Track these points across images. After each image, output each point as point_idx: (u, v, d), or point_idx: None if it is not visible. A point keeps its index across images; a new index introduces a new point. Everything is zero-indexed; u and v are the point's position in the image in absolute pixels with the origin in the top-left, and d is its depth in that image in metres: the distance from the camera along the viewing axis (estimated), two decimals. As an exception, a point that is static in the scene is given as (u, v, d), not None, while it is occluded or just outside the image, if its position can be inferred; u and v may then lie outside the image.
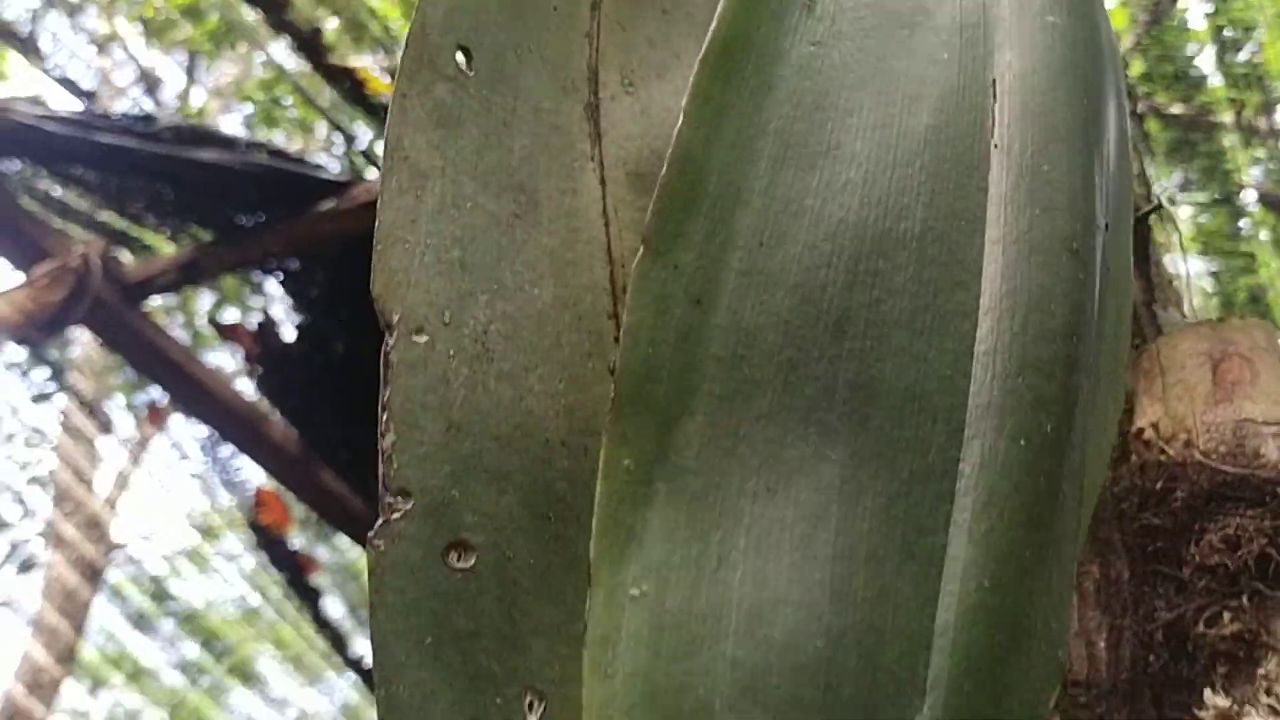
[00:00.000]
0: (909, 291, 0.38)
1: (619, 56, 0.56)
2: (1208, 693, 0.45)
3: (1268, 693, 0.44)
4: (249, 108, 2.81)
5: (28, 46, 2.26)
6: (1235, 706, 0.44)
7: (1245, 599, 0.46)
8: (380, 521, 0.37)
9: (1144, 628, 0.50)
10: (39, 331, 2.12)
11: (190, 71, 2.97)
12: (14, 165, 2.13)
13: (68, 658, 3.21)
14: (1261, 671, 0.44)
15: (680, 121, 0.40)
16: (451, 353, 0.40)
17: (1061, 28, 0.43)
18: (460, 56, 0.47)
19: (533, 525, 0.41)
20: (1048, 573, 0.34)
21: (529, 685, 0.39)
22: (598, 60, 0.55)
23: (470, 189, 0.45)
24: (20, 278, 2.10)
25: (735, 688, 0.31)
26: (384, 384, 0.39)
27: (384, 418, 0.38)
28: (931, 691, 0.32)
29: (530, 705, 0.39)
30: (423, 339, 0.40)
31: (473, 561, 0.39)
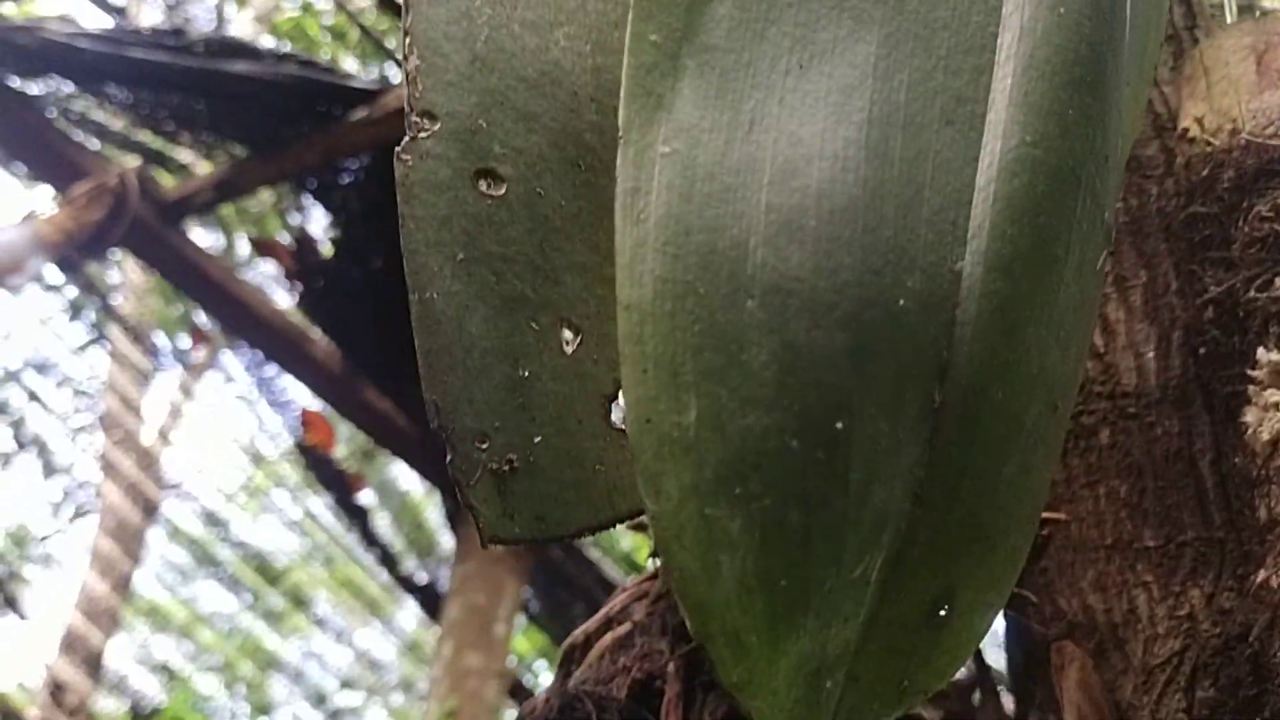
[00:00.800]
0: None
1: None
2: (1261, 351, 0.44)
3: (1323, 345, 0.42)
4: (281, 40, 2.82)
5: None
6: (1290, 362, 0.43)
7: (1298, 261, 0.44)
8: (407, 139, 0.37)
9: (1193, 316, 0.49)
10: (79, 251, 2.15)
11: (219, 6, 2.97)
12: (50, 86, 2.15)
13: (124, 586, 3.29)
14: (1316, 327, 0.43)
15: None
16: (473, -12, 0.40)
17: None
18: None
19: (563, 169, 0.40)
20: (1092, 134, 0.33)
21: (564, 317, 0.39)
22: None
23: None
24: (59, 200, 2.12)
25: (772, 227, 0.30)
26: (405, 10, 0.38)
27: (406, 41, 0.38)
28: (973, 240, 0.31)
29: (566, 336, 0.38)
30: (442, -32, 0.39)
31: (503, 190, 0.38)
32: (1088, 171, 0.32)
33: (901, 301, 0.30)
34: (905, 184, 0.32)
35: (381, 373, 2.49)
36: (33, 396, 3.85)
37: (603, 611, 0.62)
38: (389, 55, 2.35)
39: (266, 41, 2.58)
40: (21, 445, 3.51)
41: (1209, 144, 0.50)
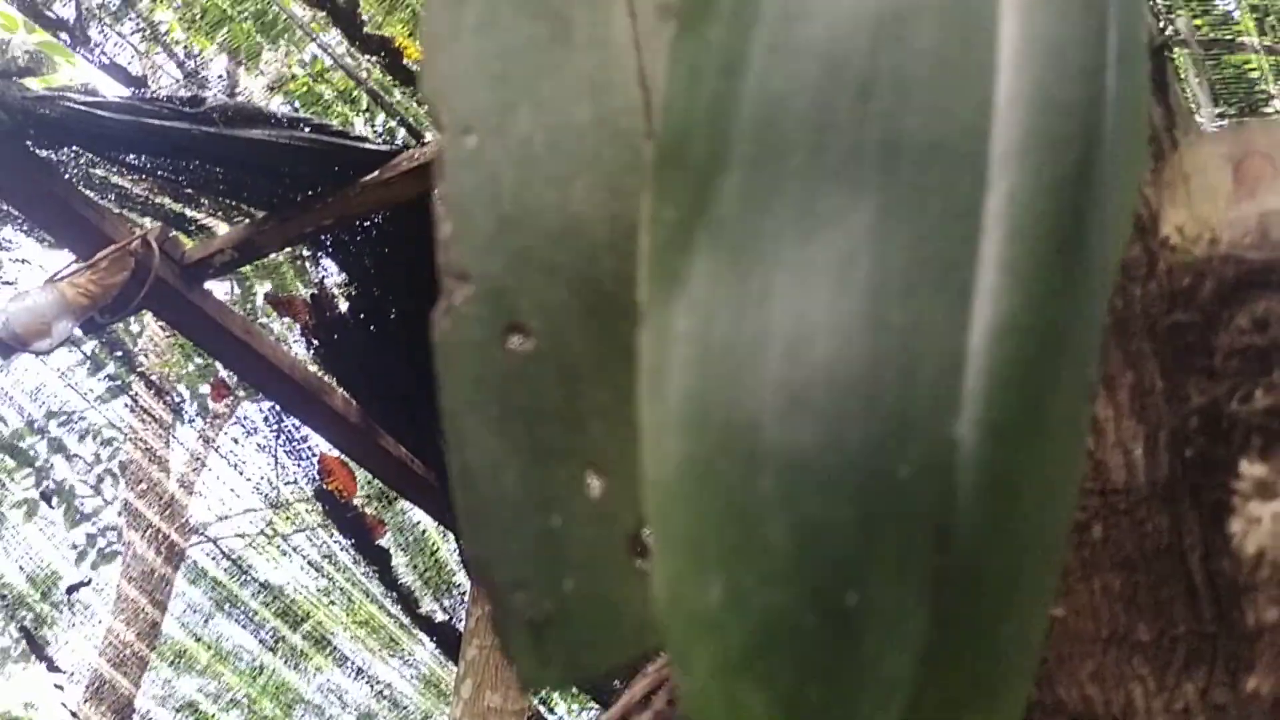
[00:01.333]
0: (931, 54, 0.39)
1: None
2: (1244, 463, 0.46)
3: (1307, 458, 0.45)
4: (292, 102, 2.89)
5: (76, 37, 2.33)
6: (1272, 474, 0.45)
7: (1276, 374, 0.47)
8: (442, 302, 0.40)
9: (1179, 421, 0.52)
10: (103, 313, 2.19)
11: (232, 73, 3.03)
12: (71, 153, 2.20)
13: (151, 634, 3.32)
14: (1299, 440, 0.45)
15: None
16: (499, 155, 0.43)
17: None
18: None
19: (584, 317, 0.43)
20: (1076, 298, 0.35)
21: (590, 462, 0.41)
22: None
23: (506, 11, 0.47)
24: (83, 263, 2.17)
25: (783, 403, 0.33)
26: (439, 178, 0.41)
27: (441, 210, 0.41)
28: (968, 405, 0.34)
29: (592, 481, 0.41)
30: (472, 140, 0.42)
31: (531, 345, 0.41)
32: (1072, 333, 0.35)
33: (904, 472, 0.32)
34: (903, 353, 0.34)
35: (397, 422, 2.53)
36: (56, 447, 3.90)
37: (624, 700, 0.64)
38: (397, 117, 2.40)
39: (280, 105, 2.64)
40: (46, 496, 3.56)
41: (1189, 252, 0.52)
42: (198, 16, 2.79)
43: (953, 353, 0.35)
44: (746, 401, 0.33)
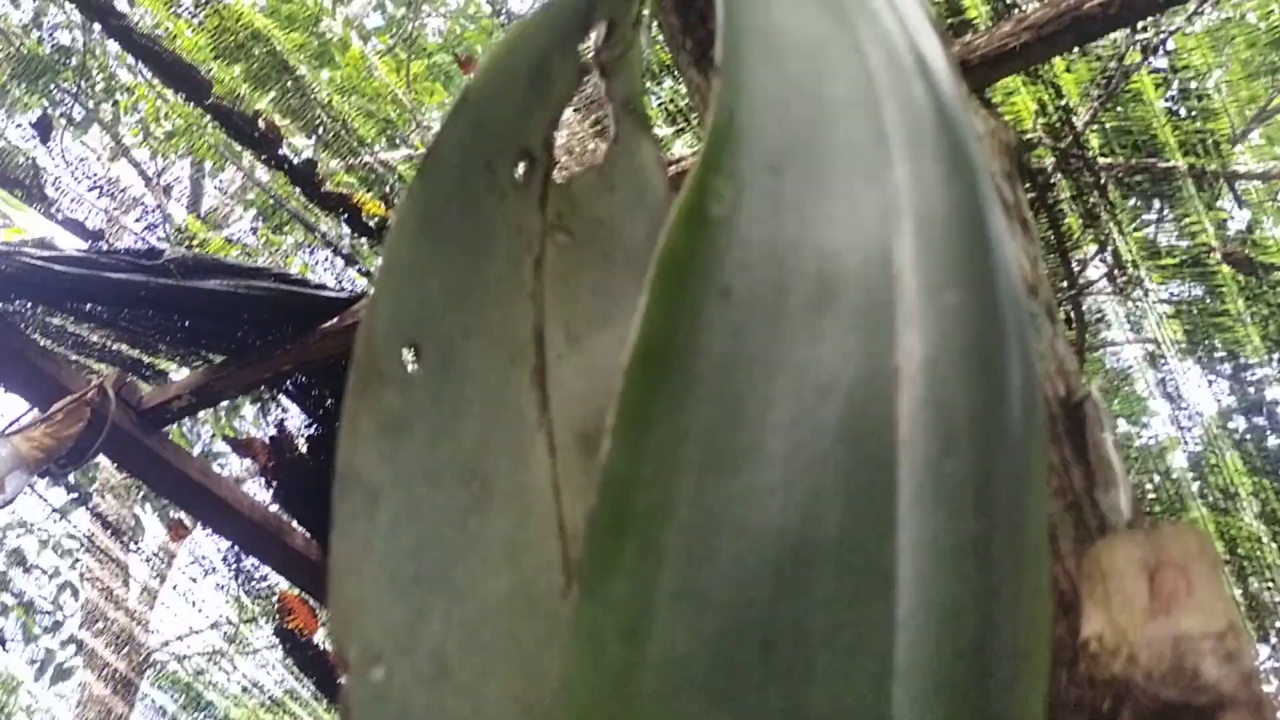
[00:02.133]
0: (830, 604, 0.40)
1: (563, 310, 0.58)
2: None
3: None
4: (254, 213, 2.91)
5: (33, 194, 2.34)
6: None
7: (1194, 826, 0.47)
8: None
9: None
10: (59, 465, 2.17)
11: (196, 181, 3.06)
12: (27, 306, 2.19)
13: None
14: None
15: (607, 442, 0.43)
16: (408, 680, 0.43)
17: (959, 306, 0.44)
18: (408, 354, 0.50)
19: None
20: None
21: None
22: (543, 319, 0.57)
23: (422, 492, 0.47)
24: (38, 414, 2.15)
25: None
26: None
27: (346, 764, 0.41)
28: None
29: None
30: (380, 672, 0.42)
31: None
32: None
33: None
34: None
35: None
36: (16, 562, 3.83)
37: None
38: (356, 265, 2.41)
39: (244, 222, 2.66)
40: (1, 639, 3.49)
41: (1109, 666, 0.53)
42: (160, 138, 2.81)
43: None
44: None
